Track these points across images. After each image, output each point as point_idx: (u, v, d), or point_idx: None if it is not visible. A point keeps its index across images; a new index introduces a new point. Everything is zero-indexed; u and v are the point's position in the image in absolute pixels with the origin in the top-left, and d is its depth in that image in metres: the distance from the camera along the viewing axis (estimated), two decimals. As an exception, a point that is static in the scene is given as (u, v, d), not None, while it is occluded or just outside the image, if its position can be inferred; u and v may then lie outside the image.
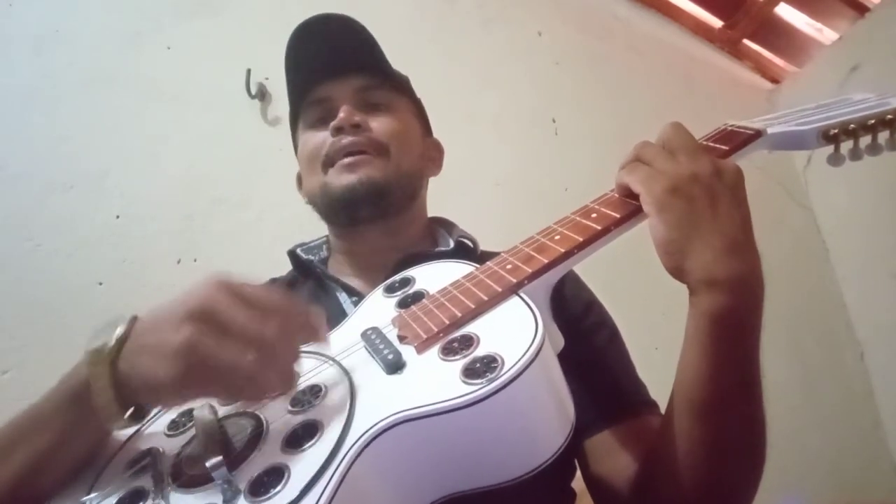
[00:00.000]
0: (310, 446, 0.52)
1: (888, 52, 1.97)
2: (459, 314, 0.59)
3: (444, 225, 0.99)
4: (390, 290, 0.73)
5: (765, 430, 0.64)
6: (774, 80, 2.43)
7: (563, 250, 0.62)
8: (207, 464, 0.50)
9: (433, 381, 0.53)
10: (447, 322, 0.59)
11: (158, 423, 0.63)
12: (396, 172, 0.87)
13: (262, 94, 1.80)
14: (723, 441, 0.62)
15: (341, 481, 0.48)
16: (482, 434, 0.51)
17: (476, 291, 0.61)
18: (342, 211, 0.87)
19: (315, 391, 0.58)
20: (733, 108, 2.25)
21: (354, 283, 0.88)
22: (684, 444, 0.62)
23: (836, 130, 0.65)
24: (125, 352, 0.54)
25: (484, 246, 0.93)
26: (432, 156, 1.00)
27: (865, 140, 0.66)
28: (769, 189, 2.20)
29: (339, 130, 0.86)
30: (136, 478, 0.56)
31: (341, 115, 0.86)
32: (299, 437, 0.53)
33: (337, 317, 0.74)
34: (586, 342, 0.82)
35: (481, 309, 0.59)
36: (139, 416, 0.55)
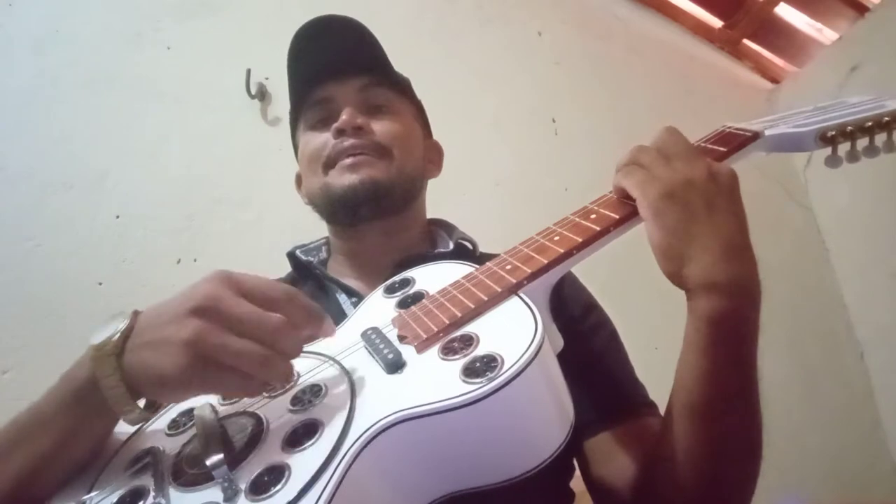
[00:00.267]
0: (310, 445, 0.52)
1: (888, 52, 1.97)
2: (459, 314, 0.59)
3: (443, 226, 0.99)
4: (390, 290, 0.73)
5: (762, 432, 0.64)
6: (774, 80, 2.43)
7: (562, 251, 0.62)
8: (208, 462, 0.51)
9: (433, 380, 0.53)
10: (447, 322, 0.59)
11: (159, 422, 0.63)
12: (399, 174, 0.87)
13: (262, 94, 1.80)
14: (722, 443, 0.62)
15: (342, 480, 0.48)
16: (482, 433, 0.51)
17: (476, 292, 0.61)
18: (342, 211, 0.87)
19: (315, 390, 0.58)
20: (733, 108, 2.25)
21: (354, 284, 0.88)
22: (684, 445, 0.62)
23: (833, 132, 0.65)
24: (129, 346, 0.54)
25: (484, 246, 0.93)
26: (432, 158, 1.00)
27: (862, 142, 0.66)
28: (769, 189, 2.20)
29: (341, 132, 0.86)
30: (137, 477, 0.56)
31: (344, 117, 0.86)
32: (299, 437, 0.53)
33: (336, 318, 0.73)
34: (586, 343, 0.82)
35: (481, 309, 0.59)
36: (153, 408, 0.56)
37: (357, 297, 0.84)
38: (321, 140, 0.88)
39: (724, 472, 0.63)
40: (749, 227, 0.62)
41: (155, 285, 1.58)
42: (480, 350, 0.54)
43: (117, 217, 1.64)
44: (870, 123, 0.65)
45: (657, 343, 1.44)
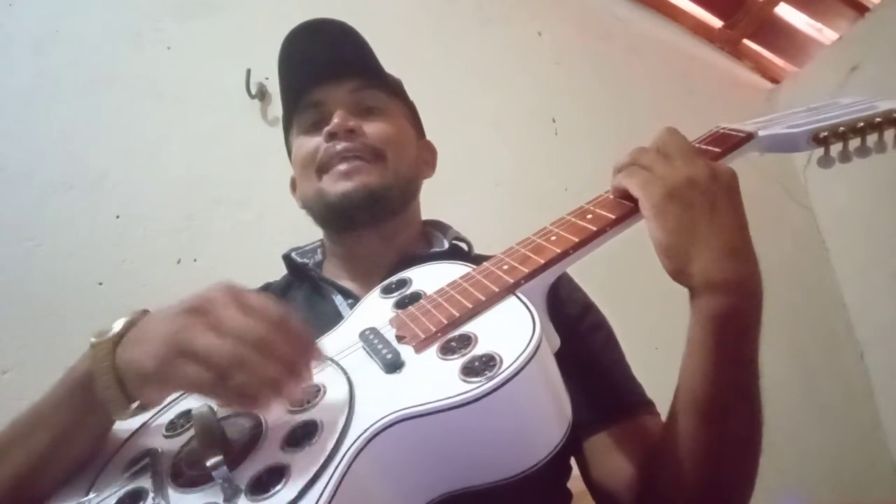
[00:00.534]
0: (310, 445, 0.52)
1: (888, 52, 1.97)
2: (457, 314, 0.59)
3: (437, 227, 0.99)
4: (387, 291, 0.73)
5: (762, 430, 0.64)
6: (774, 80, 2.43)
7: (558, 251, 0.62)
8: (207, 463, 0.51)
9: (432, 379, 0.54)
10: (445, 322, 0.59)
11: (157, 424, 0.63)
12: (394, 177, 0.87)
13: (262, 94, 1.80)
14: (726, 441, 0.63)
15: (342, 480, 0.48)
16: (481, 432, 0.52)
17: (473, 292, 0.62)
18: (337, 217, 0.87)
19: (314, 391, 0.59)
20: (733, 107, 2.25)
21: (350, 286, 0.88)
22: (688, 444, 0.63)
23: (825, 133, 0.66)
24: (124, 342, 0.55)
25: (485, 246, 0.93)
26: (426, 158, 1.00)
27: (854, 143, 0.67)
28: (769, 189, 2.20)
29: (333, 136, 0.85)
30: (136, 478, 0.56)
31: (335, 120, 0.85)
32: (299, 437, 0.53)
33: (333, 319, 0.74)
34: (584, 344, 0.83)
35: (479, 309, 0.59)
36: (144, 406, 0.56)
37: (353, 298, 0.84)
38: (313, 144, 0.87)
39: (727, 469, 0.64)
40: (749, 227, 0.62)
41: (155, 285, 1.58)
42: (479, 349, 0.54)
43: (117, 217, 1.64)
44: (861, 124, 0.66)
45: (657, 343, 1.45)
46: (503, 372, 0.50)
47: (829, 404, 2.09)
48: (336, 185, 0.84)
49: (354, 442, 0.50)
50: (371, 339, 0.63)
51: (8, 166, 1.60)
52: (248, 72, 1.78)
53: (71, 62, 1.71)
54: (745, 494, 0.66)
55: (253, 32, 1.83)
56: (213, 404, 0.60)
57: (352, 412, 0.54)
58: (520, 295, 0.59)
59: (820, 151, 0.68)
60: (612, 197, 0.66)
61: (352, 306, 0.80)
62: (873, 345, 2.14)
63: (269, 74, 1.79)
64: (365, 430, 0.51)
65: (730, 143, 0.69)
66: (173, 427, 0.62)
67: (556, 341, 0.63)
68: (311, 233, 1.00)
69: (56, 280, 1.55)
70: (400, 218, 0.90)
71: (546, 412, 0.55)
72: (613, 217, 0.63)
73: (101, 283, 1.58)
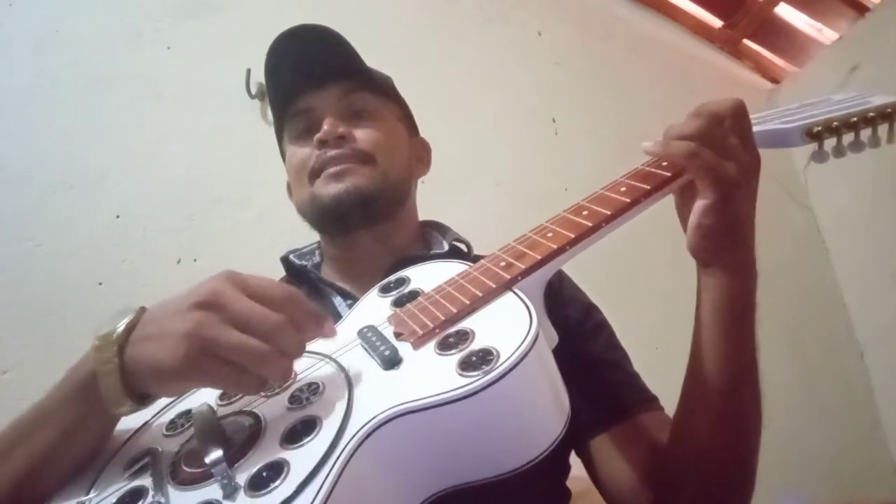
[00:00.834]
0: (308, 441, 0.52)
1: (888, 52, 1.97)
2: (455, 310, 0.60)
3: (437, 228, 0.99)
4: (385, 290, 0.73)
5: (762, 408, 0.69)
6: (774, 80, 2.43)
7: (555, 247, 0.63)
8: (207, 459, 0.51)
9: (430, 374, 0.54)
10: (442, 318, 0.59)
11: (158, 423, 0.63)
12: (384, 180, 0.86)
13: (262, 94, 1.80)
14: (744, 417, 0.66)
15: (340, 474, 0.48)
16: (479, 426, 0.52)
17: (470, 288, 0.62)
18: (331, 220, 0.87)
19: (313, 388, 0.59)
20: (733, 108, 2.25)
21: (349, 287, 0.88)
22: (704, 422, 0.67)
23: (819, 128, 0.67)
24: (132, 339, 0.55)
25: (484, 246, 0.93)
26: (420, 156, 1.00)
27: (848, 137, 0.68)
28: (769, 188, 2.18)
29: (323, 143, 0.85)
30: (136, 477, 0.56)
31: (325, 127, 0.85)
32: (298, 433, 0.53)
33: (332, 320, 0.74)
34: (588, 344, 0.83)
35: (476, 305, 0.60)
36: (143, 402, 0.56)
37: (352, 299, 0.84)
38: (305, 152, 0.88)
39: (740, 444, 0.67)
40: None
41: (155, 285, 1.57)
42: (476, 344, 0.54)
43: (117, 217, 1.64)
44: (855, 119, 0.67)
45: (657, 343, 1.45)
46: (500, 366, 0.50)
47: (829, 404, 2.09)
48: (328, 187, 0.84)
49: (353, 437, 0.50)
50: (369, 336, 0.63)
51: (8, 166, 1.60)
52: (248, 72, 1.78)
53: (71, 62, 1.71)
54: (753, 468, 0.68)
55: (253, 32, 1.82)
56: (214, 403, 0.61)
57: (350, 408, 0.54)
58: (517, 290, 0.59)
59: (814, 146, 0.69)
60: (606, 192, 0.67)
61: (351, 307, 0.80)
62: (873, 345, 2.14)
63: (269, 74, 1.79)
64: (363, 426, 0.51)
65: None
66: (174, 426, 0.62)
67: (554, 337, 0.63)
68: (310, 233, 1.00)
69: (56, 280, 1.54)
70: (394, 220, 0.90)
71: (544, 406, 0.55)
72: (608, 213, 0.64)
73: (101, 283, 1.58)
